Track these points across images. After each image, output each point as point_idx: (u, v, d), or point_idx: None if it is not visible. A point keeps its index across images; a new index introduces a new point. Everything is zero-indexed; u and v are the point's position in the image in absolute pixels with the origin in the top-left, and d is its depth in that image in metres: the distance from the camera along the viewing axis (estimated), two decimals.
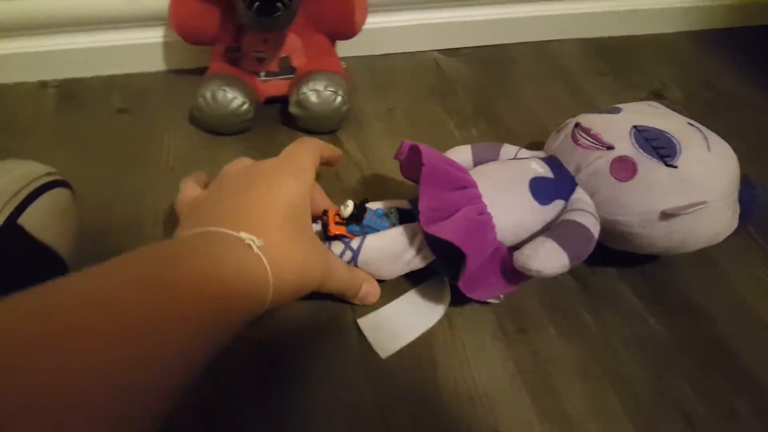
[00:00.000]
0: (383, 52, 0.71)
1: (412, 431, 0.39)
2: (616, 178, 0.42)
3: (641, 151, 0.42)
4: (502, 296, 0.46)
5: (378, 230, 0.44)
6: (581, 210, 0.43)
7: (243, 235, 0.33)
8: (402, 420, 0.40)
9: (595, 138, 0.44)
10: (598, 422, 0.41)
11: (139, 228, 0.50)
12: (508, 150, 0.49)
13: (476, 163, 0.49)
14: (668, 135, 0.43)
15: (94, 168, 0.55)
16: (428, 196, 0.40)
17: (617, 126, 0.44)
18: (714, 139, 0.44)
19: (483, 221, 0.41)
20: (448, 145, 0.59)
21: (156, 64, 0.66)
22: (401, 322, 0.44)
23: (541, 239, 0.41)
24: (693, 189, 0.42)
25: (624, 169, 0.42)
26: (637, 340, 0.46)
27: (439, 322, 0.45)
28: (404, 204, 0.47)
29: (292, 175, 0.38)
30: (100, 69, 0.65)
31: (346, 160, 0.58)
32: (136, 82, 0.65)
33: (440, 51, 0.73)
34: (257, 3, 0.49)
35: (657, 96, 0.69)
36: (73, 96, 0.62)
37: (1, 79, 0.63)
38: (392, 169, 0.57)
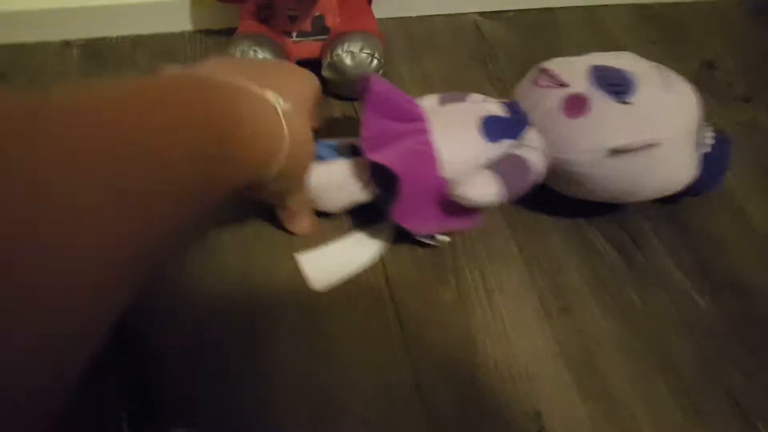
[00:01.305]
0: (420, 14, 0.70)
1: (451, 407, 0.41)
2: (567, 116, 0.42)
3: (596, 88, 0.42)
4: (441, 237, 0.47)
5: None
6: (527, 146, 0.44)
7: (270, 95, 0.34)
8: (440, 396, 0.41)
9: (553, 77, 0.44)
10: (643, 403, 0.42)
11: None
12: (475, 97, 0.49)
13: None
14: (627, 73, 0.42)
15: None
16: (371, 123, 0.42)
17: (577, 66, 0.44)
18: (677, 81, 0.44)
19: (423, 152, 0.42)
20: None
21: (182, 23, 0.66)
22: (341, 259, 0.47)
23: (478, 170, 0.42)
24: (645, 126, 0.42)
25: (576, 106, 0.42)
26: (684, 319, 0.46)
27: (478, 298, 0.46)
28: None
29: (312, 76, 0.42)
30: (125, 28, 0.65)
31: None
32: (162, 42, 0.65)
33: (481, 13, 0.72)
34: None
35: (709, 67, 0.68)
36: (97, 56, 0.63)
37: (24, 38, 0.64)
38: None
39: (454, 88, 0.61)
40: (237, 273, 0.46)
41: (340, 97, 0.60)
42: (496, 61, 0.66)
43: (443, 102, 0.48)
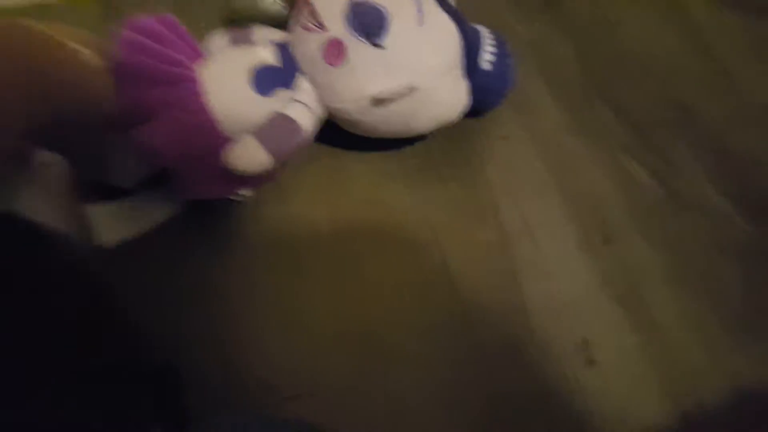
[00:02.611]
0: None
1: (500, 341, 0.41)
2: (328, 63, 0.40)
3: (351, 31, 0.39)
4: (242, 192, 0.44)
5: None
6: (297, 102, 0.41)
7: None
8: (488, 331, 0.41)
9: (313, 15, 0.40)
10: (691, 330, 0.42)
11: None
12: (260, 32, 0.45)
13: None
14: (381, 9, 0.39)
15: None
16: (124, 94, 0.37)
17: (335, 1, 0.40)
18: (432, 10, 0.41)
19: (196, 119, 0.38)
20: (510, 43, 0.56)
21: None
22: (135, 214, 0.44)
23: (243, 137, 0.39)
24: (400, 70, 0.39)
25: (334, 53, 0.39)
26: (727, 243, 0.46)
27: (519, 236, 0.45)
28: None
29: None
30: None
31: None
32: None
33: None
34: None
35: None
36: (116, 8, 0.59)
37: None
38: None
39: (473, 18, 0.58)
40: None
41: None
42: None
43: (232, 40, 0.45)
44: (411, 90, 0.39)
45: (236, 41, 0.44)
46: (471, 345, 0.40)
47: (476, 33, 0.44)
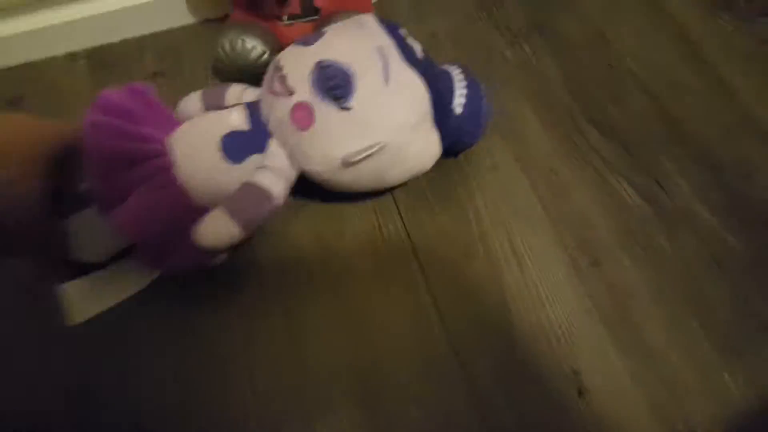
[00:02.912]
0: None
1: (491, 375, 0.42)
2: (297, 128, 0.40)
3: (318, 94, 0.39)
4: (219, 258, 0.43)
5: None
6: (266, 168, 0.41)
7: None
8: (480, 365, 0.42)
9: (282, 81, 0.40)
10: (680, 350, 0.42)
11: None
12: (233, 92, 0.46)
13: (209, 110, 0.46)
14: (347, 70, 0.39)
15: None
16: (94, 178, 0.37)
17: (303, 64, 0.40)
18: (397, 67, 0.40)
19: (166, 193, 0.39)
20: (498, 68, 0.57)
21: (182, 17, 0.64)
22: (107, 287, 0.43)
23: (212, 211, 0.39)
24: (368, 130, 0.39)
25: (303, 116, 0.39)
26: (716, 259, 0.46)
27: (508, 264, 0.46)
28: None
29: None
30: (128, 31, 0.64)
31: None
32: (166, 39, 0.64)
33: None
34: None
35: None
36: (105, 64, 0.63)
37: (31, 56, 0.63)
38: None
39: (461, 45, 0.59)
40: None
41: None
42: (502, 9, 0.63)
43: (209, 105, 0.46)
44: (381, 148, 0.40)
45: (208, 105, 0.46)
46: (463, 379, 0.41)
47: (447, 76, 0.45)
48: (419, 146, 0.43)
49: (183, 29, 0.65)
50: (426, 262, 0.46)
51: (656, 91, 0.56)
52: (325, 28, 0.44)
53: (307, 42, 0.42)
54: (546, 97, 0.56)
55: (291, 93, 0.40)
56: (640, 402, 0.41)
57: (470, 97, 0.45)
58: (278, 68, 0.41)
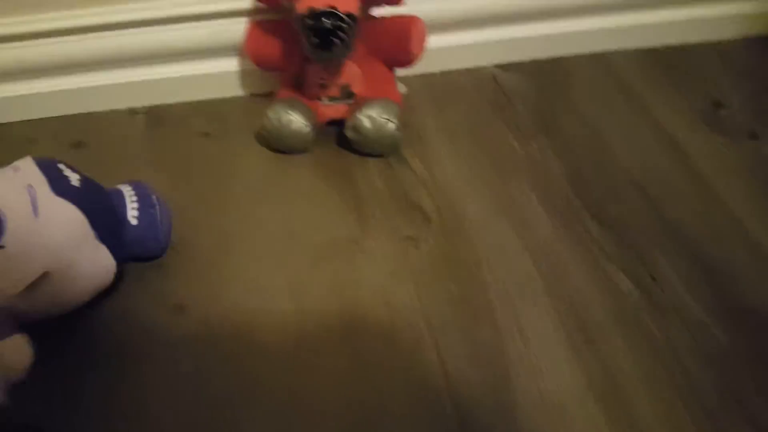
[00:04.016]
0: (442, 69, 0.73)
1: None
2: None
3: None
4: None
5: None
6: None
7: None
8: (479, 422, 0.42)
9: None
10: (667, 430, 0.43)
11: (226, 241, 0.54)
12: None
13: None
14: None
15: (187, 187, 0.60)
16: None
17: None
18: (46, 199, 0.42)
19: None
20: (508, 161, 0.62)
21: (233, 90, 0.70)
22: None
23: None
24: (25, 263, 0.41)
25: None
26: (704, 351, 0.47)
27: (512, 336, 0.47)
28: None
29: None
30: (184, 96, 0.69)
31: (412, 178, 0.60)
32: (216, 106, 0.69)
33: (497, 66, 0.75)
34: (316, 38, 0.53)
35: (716, 106, 0.69)
36: (160, 121, 0.67)
37: (94, 107, 0.69)
38: (459, 187, 0.59)
39: (477, 138, 0.64)
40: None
41: (364, 154, 0.63)
42: (514, 110, 0.68)
43: None
44: (45, 275, 0.41)
45: None
46: None
47: (118, 194, 0.50)
48: (88, 264, 0.45)
49: (232, 99, 0.70)
50: (435, 324, 0.48)
51: (651, 192, 0.60)
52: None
53: None
54: (550, 189, 0.59)
55: None
56: None
57: (142, 209, 0.49)
58: None
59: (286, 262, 0.53)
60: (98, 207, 0.46)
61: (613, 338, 0.48)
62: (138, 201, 0.49)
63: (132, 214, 0.49)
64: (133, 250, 0.49)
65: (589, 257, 0.54)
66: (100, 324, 0.48)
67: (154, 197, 0.51)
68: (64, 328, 0.47)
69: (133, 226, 0.49)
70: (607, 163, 0.62)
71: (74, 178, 0.46)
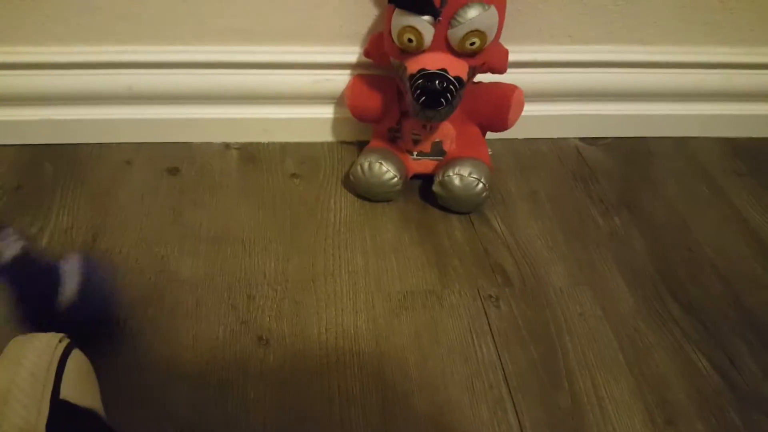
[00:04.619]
0: (527, 137, 0.77)
1: None
2: None
3: None
4: None
5: None
6: None
7: None
8: None
9: None
10: None
11: (313, 281, 0.58)
12: None
13: None
14: None
15: (274, 224, 0.64)
16: None
17: None
18: None
19: None
20: (590, 233, 0.64)
21: (323, 135, 0.75)
22: None
23: None
24: None
25: None
26: None
27: (590, 405, 0.49)
28: None
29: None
30: (278, 136, 0.75)
31: (493, 236, 0.63)
32: (307, 149, 0.74)
33: (581, 139, 0.78)
34: (423, 97, 0.57)
35: None
36: (253, 158, 0.73)
37: (192, 138, 0.74)
38: (541, 252, 0.62)
39: (559, 206, 0.67)
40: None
41: (447, 210, 0.67)
42: (596, 183, 0.72)
43: None
44: None
45: None
46: None
47: (58, 268, 0.49)
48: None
49: (322, 144, 0.75)
50: (515, 385, 0.50)
51: (731, 279, 0.61)
52: None
53: None
54: (632, 264, 0.62)
55: None
56: None
57: (85, 283, 0.48)
58: None
59: (368, 307, 0.56)
60: (28, 285, 0.46)
61: (693, 421, 0.49)
62: (82, 275, 0.49)
63: (71, 287, 0.48)
64: (73, 326, 0.47)
65: (670, 336, 0.55)
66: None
67: (98, 272, 0.50)
68: None
69: (74, 300, 0.48)
70: (689, 246, 0.65)
71: (16, 248, 0.47)
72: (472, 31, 0.54)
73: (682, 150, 0.78)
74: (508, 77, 0.65)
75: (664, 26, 0.70)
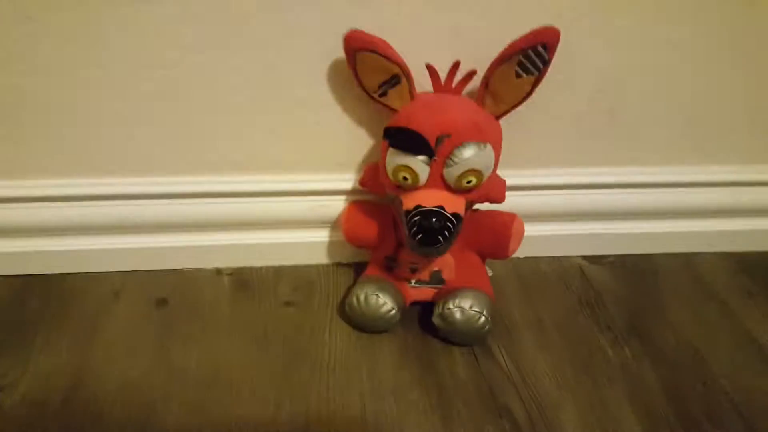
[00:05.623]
0: (529, 255, 0.78)
1: None
2: None
3: None
4: None
5: None
6: None
7: None
8: None
9: None
10: None
11: (304, 425, 0.56)
12: None
13: None
14: None
15: (266, 363, 0.62)
16: None
17: None
18: None
19: None
20: (600, 366, 0.63)
21: (320, 257, 0.76)
22: None
23: None
24: None
25: None
26: None
27: None
28: None
29: None
30: (271, 260, 0.75)
31: (498, 373, 0.62)
32: (301, 272, 0.74)
33: (584, 257, 0.79)
34: (420, 234, 0.57)
35: None
36: (245, 285, 0.72)
37: (181, 265, 0.74)
38: (550, 392, 0.61)
39: (566, 336, 0.66)
40: None
41: (448, 342, 0.66)
42: (603, 308, 0.71)
43: None
44: None
45: None
46: None
47: None
48: None
49: (317, 266, 0.76)
50: None
51: (751, 416, 0.60)
52: None
53: None
54: (644, 400, 0.60)
55: None
56: None
57: None
58: None
59: None
60: None
61: None
62: None
63: None
64: None
65: None
66: None
67: None
68: None
69: None
70: (704, 380, 0.63)
71: None
72: (468, 171, 0.56)
73: (689, 267, 0.78)
74: (507, 199, 0.66)
75: (663, 148, 0.73)
